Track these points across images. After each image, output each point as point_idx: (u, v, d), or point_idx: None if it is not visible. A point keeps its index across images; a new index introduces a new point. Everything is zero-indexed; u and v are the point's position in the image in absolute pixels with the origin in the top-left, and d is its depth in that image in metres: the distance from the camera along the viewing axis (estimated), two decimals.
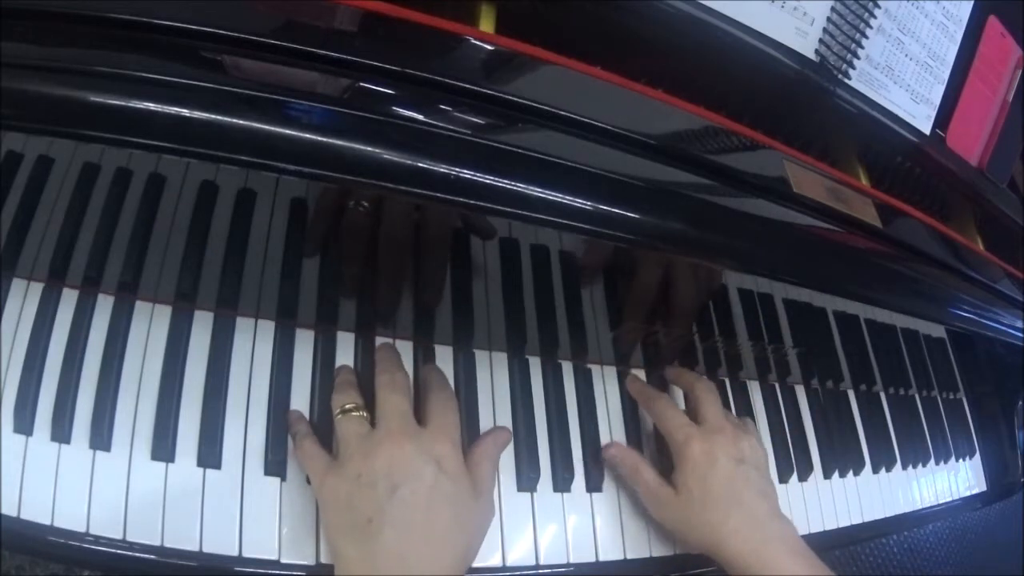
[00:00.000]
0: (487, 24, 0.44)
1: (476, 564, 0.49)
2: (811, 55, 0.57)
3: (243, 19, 0.38)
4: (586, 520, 0.56)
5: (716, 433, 0.54)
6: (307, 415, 0.51)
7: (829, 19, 0.56)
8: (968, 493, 0.86)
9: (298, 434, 0.49)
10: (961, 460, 0.87)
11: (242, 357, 0.51)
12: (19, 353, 0.46)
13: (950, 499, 0.83)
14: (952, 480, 0.85)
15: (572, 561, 0.55)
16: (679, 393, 0.64)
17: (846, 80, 0.59)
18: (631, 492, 0.59)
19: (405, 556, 0.42)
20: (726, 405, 0.67)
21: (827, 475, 0.71)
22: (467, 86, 0.41)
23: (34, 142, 0.39)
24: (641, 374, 0.64)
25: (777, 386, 0.71)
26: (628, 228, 0.43)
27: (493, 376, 0.58)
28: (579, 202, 0.41)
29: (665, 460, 0.59)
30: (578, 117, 0.43)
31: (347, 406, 0.48)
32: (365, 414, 0.48)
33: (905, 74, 0.62)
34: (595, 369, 0.62)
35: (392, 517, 0.43)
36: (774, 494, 0.55)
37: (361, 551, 0.42)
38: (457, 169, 0.38)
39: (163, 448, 0.46)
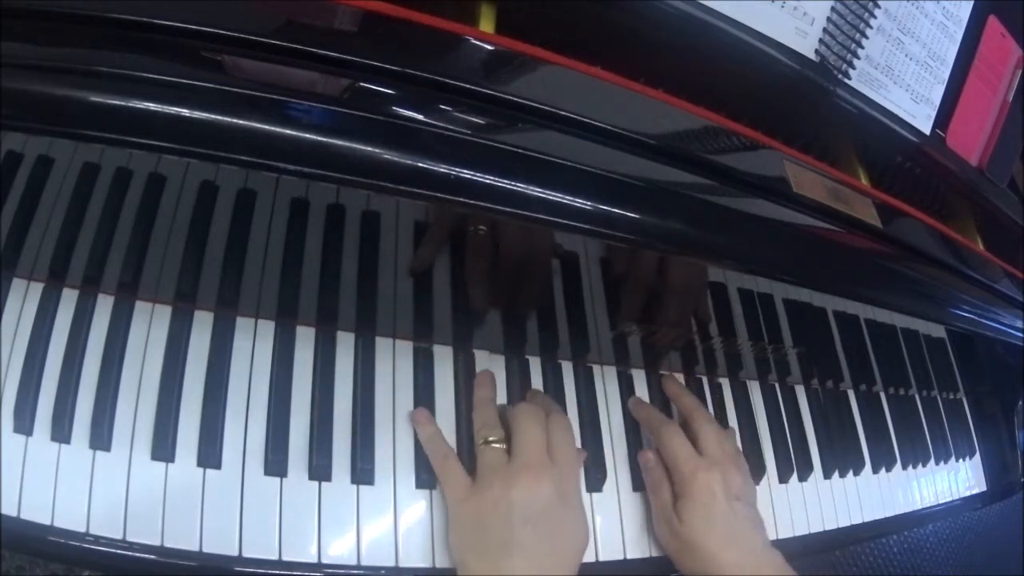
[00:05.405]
0: (487, 24, 0.44)
1: None
2: (811, 55, 0.57)
3: (243, 19, 0.38)
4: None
5: (716, 466, 0.56)
6: (307, 415, 0.51)
7: (829, 19, 0.56)
8: (968, 493, 0.86)
9: (439, 451, 0.53)
10: (961, 460, 0.87)
11: (242, 357, 0.51)
12: (19, 353, 0.46)
13: (950, 499, 0.83)
14: (952, 480, 0.85)
15: None
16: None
17: (846, 80, 0.59)
18: (631, 492, 0.59)
19: None
20: (724, 406, 0.67)
21: (827, 475, 0.71)
22: (467, 86, 0.40)
23: (34, 142, 0.39)
24: (641, 374, 0.64)
25: (777, 386, 0.71)
26: (628, 228, 0.43)
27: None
28: (579, 202, 0.41)
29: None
30: (578, 117, 0.43)
31: (490, 439, 0.52)
32: (506, 447, 0.52)
33: (905, 74, 0.62)
34: (595, 369, 0.62)
35: (522, 544, 0.47)
36: (764, 526, 0.57)
37: (490, 569, 0.47)
38: (457, 169, 0.38)
39: (163, 448, 0.46)
